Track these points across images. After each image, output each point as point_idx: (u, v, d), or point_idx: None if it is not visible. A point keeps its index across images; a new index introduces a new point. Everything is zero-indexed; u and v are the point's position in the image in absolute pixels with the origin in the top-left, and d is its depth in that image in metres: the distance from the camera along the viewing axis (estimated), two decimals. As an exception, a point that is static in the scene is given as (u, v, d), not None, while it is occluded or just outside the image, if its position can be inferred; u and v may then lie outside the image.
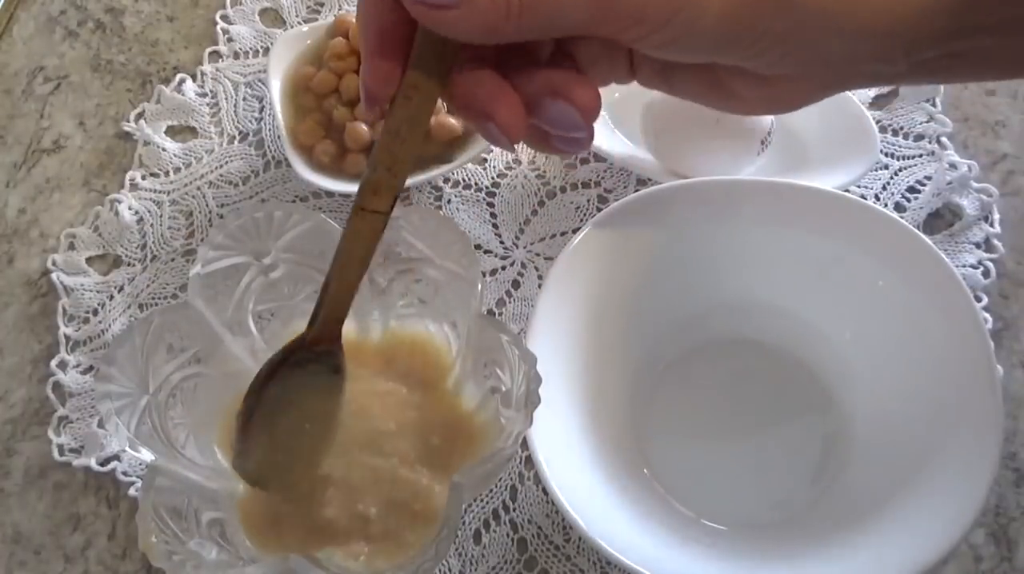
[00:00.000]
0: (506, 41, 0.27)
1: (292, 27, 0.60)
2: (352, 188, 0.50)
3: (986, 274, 0.49)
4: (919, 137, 0.54)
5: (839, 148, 0.50)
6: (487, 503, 0.44)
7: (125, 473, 0.46)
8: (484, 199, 0.53)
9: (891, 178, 0.53)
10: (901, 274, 0.42)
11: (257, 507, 0.36)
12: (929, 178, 0.52)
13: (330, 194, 0.53)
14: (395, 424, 0.37)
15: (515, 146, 0.29)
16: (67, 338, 0.50)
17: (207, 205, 0.54)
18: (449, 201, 0.53)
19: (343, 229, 0.31)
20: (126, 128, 0.57)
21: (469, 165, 0.54)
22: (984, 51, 0.28)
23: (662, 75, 0.31)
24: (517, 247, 0.51)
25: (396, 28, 0.27)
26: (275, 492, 0.36)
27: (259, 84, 0.58)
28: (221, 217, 0.53)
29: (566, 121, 0.28)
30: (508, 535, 0.43)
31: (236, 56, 0.60)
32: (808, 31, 0.27)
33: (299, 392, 0.34)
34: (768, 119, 0.48)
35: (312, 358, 0.34)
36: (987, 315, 0.48)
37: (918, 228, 0.47)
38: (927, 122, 0.54)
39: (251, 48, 0.60)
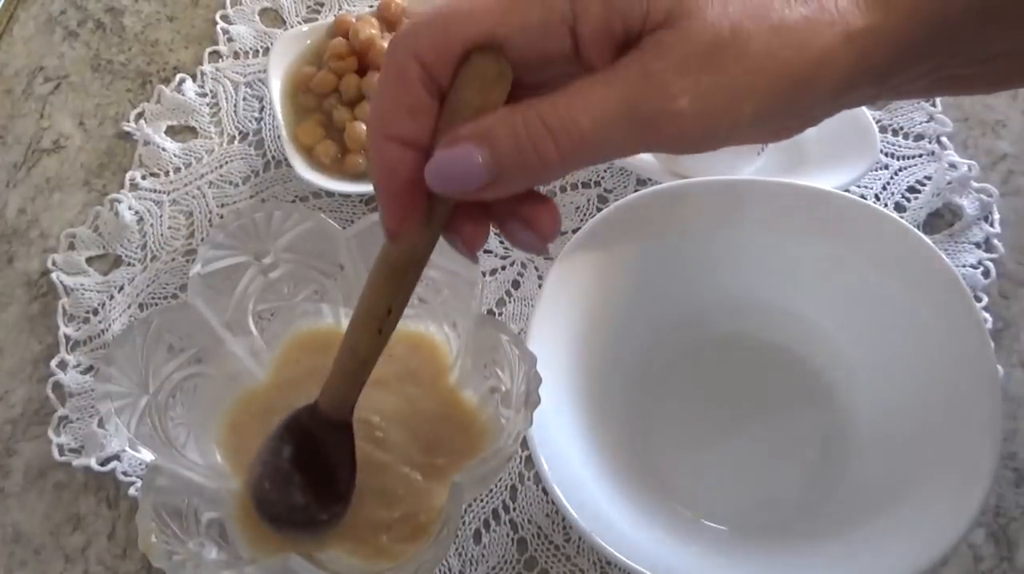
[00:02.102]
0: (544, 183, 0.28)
1: (292, 27, 0.60)
2: (352, 188, 0.50)
3: (986, 274, 0.49)
4: (919, 137, 0.54)
5: (839, 148, 0.50)
6: (487, 503, 0.44)
7: (125, 473, 0.46)
8: (484, 199, 0.53)
9: (891, 178, 0.53)
10: (901, 274, 0.42)
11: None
12: (929, 178, 0.52)
13: (330, 194, 0.53)
14: (395, 423, 0.37)
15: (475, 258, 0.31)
16: (67, 338, 0.50)
17: (207, 205, 0.54)
18: (449, 201, 0.53)
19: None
20: (126, 128, 0.57)
21: (469, 165, 0.53)
22: (980, 76, 0.30)
23: None
24: (517, 247, 0.51)
25: (415, 171, 0.27)
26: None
27: (259, 84, 0.58)
28: (221, 217, 0.53)
29: (527, 244, 0.29)
30: (508, 535, 0.43)
31: (236, 56, 0.60)
32: (823, 100, 0.28)
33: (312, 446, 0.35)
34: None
35: (321, 427, 0.35)
36: (987, 315, 0.48)
37: (918, 228, 0.47)
38: (927, 122, 0.54)
39: (251, 48, 0.60)
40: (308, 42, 0.55)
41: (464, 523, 0.44)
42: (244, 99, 0.58)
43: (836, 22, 0.26)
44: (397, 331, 0.39)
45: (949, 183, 0.51)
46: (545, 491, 0.38)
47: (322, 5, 0.61)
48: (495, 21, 0.26)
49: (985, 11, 0.27)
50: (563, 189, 0.53)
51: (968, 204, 0.51)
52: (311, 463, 0.35)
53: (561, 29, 0.26)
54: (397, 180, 0.27)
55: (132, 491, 0.45)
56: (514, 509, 0.44)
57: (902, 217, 0.47)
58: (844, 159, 0.49)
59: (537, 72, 0.27)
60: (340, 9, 0.61)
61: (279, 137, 0.52)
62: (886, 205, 0.51)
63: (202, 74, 0.59)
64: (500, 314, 0.50)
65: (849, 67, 0.27)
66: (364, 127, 0.51)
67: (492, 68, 0.26)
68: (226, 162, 0.55)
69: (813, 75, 0.26)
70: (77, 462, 0.46)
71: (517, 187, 0.27)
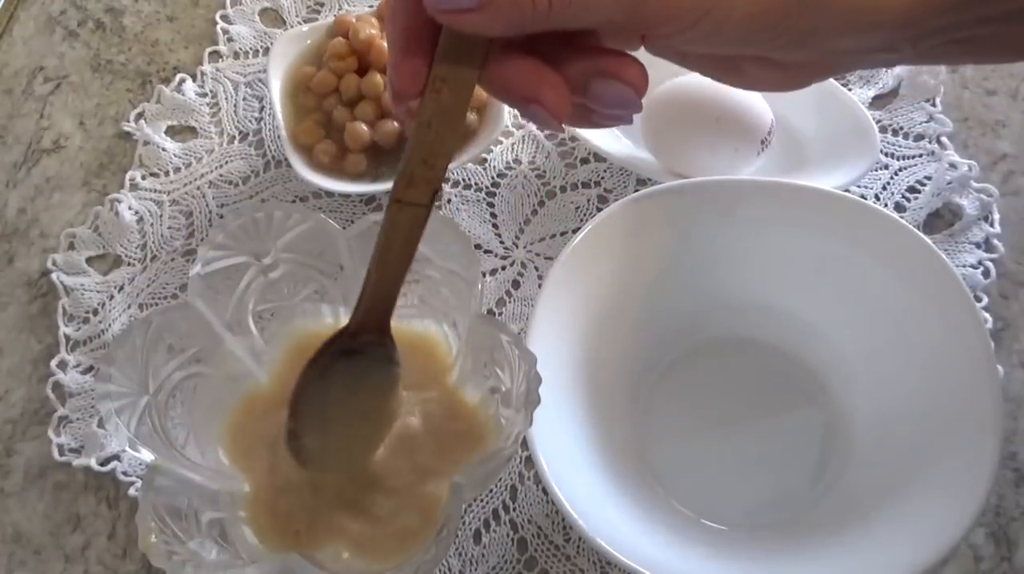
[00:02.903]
0: (532, 33, 0.27)
1: (292, 27, 0.60)
2: (352, 188, 0.51)
3: (986, 274, 0.49)
4: (919, 137, 0.54)
5: (839, 148, 0.50)
6: (487, 503, 0.44)
7: (125, 473, 0.46)
8: (484, 199, 0.53)
9: (891, 178, 0.53)
10: (901, 274, 0.42)
11: (262, 506, 0.36)
12: (929, 178, 0.52)
13: (330, 194, 0.53)
14: (396, 423, 0.37)
15: (561, 126, 0.29)
16: (67, 338, 0.50)
17: (207, 205, 0.54)
18: (449, 201, 0.53)
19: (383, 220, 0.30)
20: (126, 128, 0.57)
21: (469, 165, 0.54)
22: (988, 38, 0.29)
23: (673, 48, 0.31)
24: (517, 247, 0.51)
25: (422, 25, 0.27)
26: (323, 471, 0.35)
27: (259, 84, 0.58)
28: (221, 217, 0.53)
29: (618, 99, 0.28)
30: (508, 535, 0.43)
31: (236, 56, 0.60)
32: (826, 27, 0.27)
33: (351, 381, 0.34)
34: (768, 119, 0.48)
35: (359, 349, 0.34)
36: (987, 315, 0.48)
37: (918, 228, 0.47)
38: (927, 122, 0.54)
39: (251, 48, 0.60)
40: (308, 42, 0.55)
41: (464, 523, 0.44)
42: (244, 99, 0.58)
43: None
44: (397, 332, 0.39)
45: (949, 183, 0.51)
46: (545, 491, 0.38)
47: (322, 5, 0.61)
48: None
49: None
50: (563, 189, 0.53)
51: (968, 204, 0.51)
52: (355, 387, 0.34)
53: None
54: (409, 36, 0.27)
55: (132, 491, 0.45)
56: (514, 509, 0.44)
57: (902, 217, 0.47)
58: (844, 159, 0.49)
59: None
60: (340, 9, 0.61)
61: (279, 137, 0.52)
62: (886, 205, 0.52)
63: (202, 74, 0.59)
64: (500, 314, 0.50)
65: (861, 3, 0.26)
66: (364, 127, 0.51)
67: None
68: (226, 162, 0.55)
69: None
70: (77, 462, 0.46)
71: (498, 24, 0.26)
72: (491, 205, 0.53)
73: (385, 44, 0.52)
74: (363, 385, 0.35)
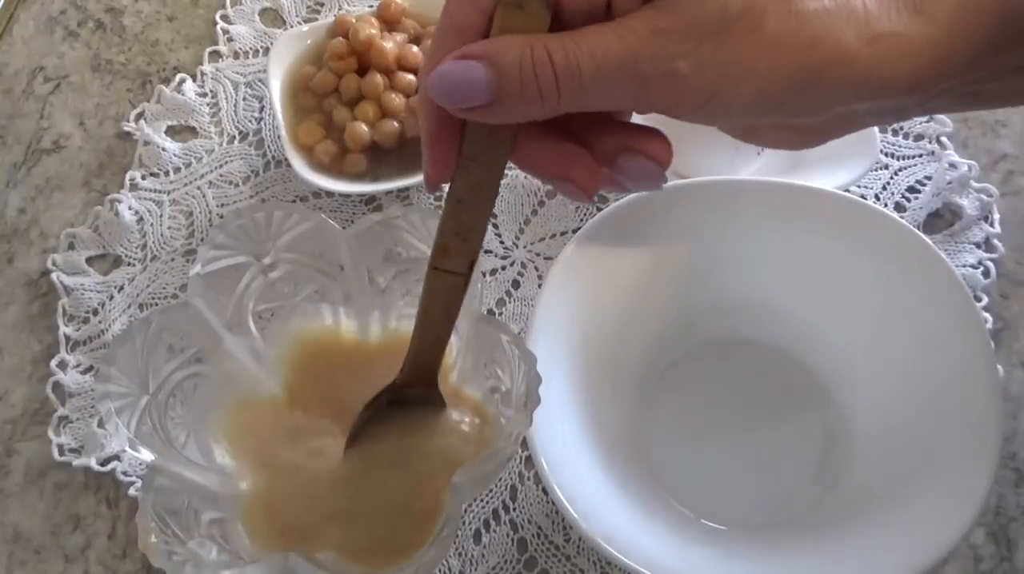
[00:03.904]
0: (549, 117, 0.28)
1: (292, 27, 0.60)
2: (352, 188, 0.51)
3: (986, 274, 0.49)
4: (919, 137, 0.54)
5: (839, 148, 0.50)
6: (487, 503, 0.44)
7: (125, 473, 0.46)
8: (484, 199, 0.53)
9: (891, 178, 0.53)
10: (901, 274, 0.41)
11: (261, 506, 0.36)
12: (929, 178, 0.52)
13: (330, 194, 0.53)
14: (395, 423, 0.37)
15: (592, 199, 0.31)
16: (67, 338, 0.50)
17: (207, 205, 0.54)
18: (449, 201, 0.53)
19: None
20: (126, 128, 0.57)
21: (469, 165, 0.53)
22: (994, 91, 0.30)
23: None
24: (517, 247, 0.51)
25: (448, 114, 0.27)
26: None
27: (259, 84, 0.58)
28: (221, 217, 0.53)
29: (644, 173, 0.29)
30: (508, 535, 0.43)
31: (236, 56, 0.60)
32: (837, 103, 0.28)
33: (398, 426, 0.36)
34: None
35: (407, 400, 0.36)
36: (987, 315, 0.48)
37: (918, 228, 0.47)
38: (927, 122, 0.54)
39: (251, 48, 0.60)
40: (308, 42, 0.55)
41: (464, 523, 0.44)
42: (244, 99, 0.58)
43: (859, 21, 0.26)
44: (398, 332, 0.40)
45: (949, 183, 0.51)
46: (545, 491, 0.38)
47: (322, 5, 0.61)
48: None
49: (1019, 29, 0.27)
50: (563, 189, 0.53)
51: (968, 204, 0.51)
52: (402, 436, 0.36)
53: None
54: (445, 129, 0.28)
55: (132, 491, 0.45)
56: (514, 509, 0.44)
57: (902, 217, 0.47)
58: (844, 159, 0.49)
59: (578, 20, 0.27)
60: (340, 9, 0.61)
61: (279, 137, 0.52)
62: (886, 205, 0.51)
63: (202, 74, 0.59)
64: (500, 314, 0.50)
65: (868, 68, 0.26)
66: (364, 127, 0.51)
67: (534, 4, 0.26)
68: (226, 162, 0.55)
69: (823, 71, 0.26)
70: (77, 462, 0.46)
71: (513, 115, 0.27)
72: (491, 205, 0.53)
73: (385, 44, 0.52)
74: (410, 428, 0.36)
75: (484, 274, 0.50)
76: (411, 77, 0.52)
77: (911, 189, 0.52)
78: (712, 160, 0.48)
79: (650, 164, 0.29)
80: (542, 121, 0.28)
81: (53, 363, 0.49)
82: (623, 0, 0.26)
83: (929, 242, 0.41)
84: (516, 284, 0.50)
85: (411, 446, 0.36)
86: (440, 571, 0.43)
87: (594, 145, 0.29)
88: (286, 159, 0.52)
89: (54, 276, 0.52)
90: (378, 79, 0.51)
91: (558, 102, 0.26)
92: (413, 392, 0.36)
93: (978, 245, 0.50)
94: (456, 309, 0.33)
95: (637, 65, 0.26)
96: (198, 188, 0.54)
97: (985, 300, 0.48)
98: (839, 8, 0.26)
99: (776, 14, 0.25)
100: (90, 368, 0.49)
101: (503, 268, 0.51)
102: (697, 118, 0.28)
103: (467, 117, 0.27)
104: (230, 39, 0.60)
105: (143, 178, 0.55)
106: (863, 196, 0.51)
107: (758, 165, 0.49)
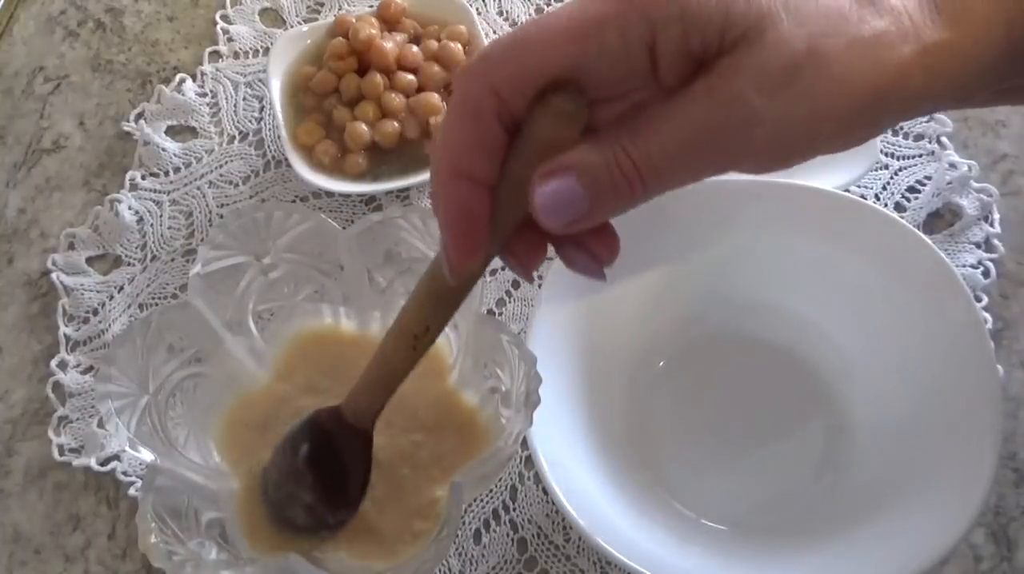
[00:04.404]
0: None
1: (292, 27, 0.60)
2: (352, 188, 0.51)
3: (986, 274, 0.49)
4: (919, 137, 0.54)
5: (839, 148, 0.50)
6: (487, 503, 0.44)
7: (125, 473, 0.46)
8: (484, 199, 0.53)
9: (891, 178, 0.53)
10: (901, 274, 0.42)
11: (256, 507, 0.36)
12: (929, 178, 0.52)
13: (330, 194, 0.53)
14: (396, 423, 0.37)
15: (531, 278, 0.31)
16: (67, 338, 0.50)
17: (207, 205, 0.54)
18: (449, 201, 0.53)
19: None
20: (126, 128, 0.57)
21: (469, 165, 0.53)
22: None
23: None
24: (517, 247, 0.51)
25: (479, 205, 0.27)
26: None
27: (259, 84, 0.58)
28: (221, 217, 0.53)
29: (586, 270, 0.29)
30: (508, 535, 0.43)
31: (236, 56, 0.60)
32: (898, 118, 0.27)
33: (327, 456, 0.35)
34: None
35: (342, 432, 0.35)
36: (987, 315, 0.48)
37: (918, 228, 0.47)
38: (927, 122, 0.54)
39: (251, 48, 0.60)
40: (308, 42, 0.55)
41: (464, 523, 0.44)
42: (244, 99, 0.58)
43: (910, 36, 0.26)
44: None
45: (949, 183, 0.51)
46: (545, 491, 0.38)
47: (322, 5, 0.61)
48: (574, 50, 0.25)
49: None
50: (563, 189, 0.53)
51: (968, 204, 0.51)
52: (325, 465, 0.35)
53: (639, 51, 0.25)
54: (468, 218, 0.27)
55: (132, 491, 0.45)
56: (514, 509, 0.44)
57: (902, 217, 0.47)
58: (844, 159, 0.49)
59: (614, 92, 0.26)
60: (340, 9, 0.61)
61: (279, 137, 0.52)
62: (886, 205, 0.51)
63: (202, 74, 0.59)
64: (500, 314, 0.50)
65: (923, 82, 0.26)
66: (364, 127, 0.51)
67: (569, 105, 0.26)
68: (226, 162, 0.55)
69: (889, 91, 0.26)
70: (77, 462, 0.46)
71: (606, 217, 0.27)
72: (491, 205, 0.53)
73: (385, 44, 0.52)
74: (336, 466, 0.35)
75: (484, 274, 0.50)
76: (411, 77, 0.52)
77: (911, 189, 0.52)
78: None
79: (587, 260, 0.29)
80: None
81: (53, 363, 0.49)
82: (671, 70, 0.26)
83: (929, 242, 0.41)
84: (516, 284, 0.50)
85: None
86: (440, 571, 0.43)
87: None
88: (286, 159, 0.52)
89: (54, 276, 0.52)
90: (378, 79, 0.51)
91: (646, 194, 0.26)
92: (347, 434, 0.35)
93: (978, 245, 0.50)
94: (414, 365, 0.32)
95: (716, 138, 0.25)
96: (198, 188, 0.54)
97: (985, 300, 0.48)
98: (890, 27, 0.26)
99: (836, 49, 0.25)
100: (90, 368, 0.49)
101: (503, 268, 0.51)
102: (776, 167, 0.28)
103: (568, 231, 0.27)
104: (230, 39, 0.60)
105: (143, 178, 0.55)
106: (863, 196, 0.51)
107: (758, 165, 0.49)
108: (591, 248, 0.28)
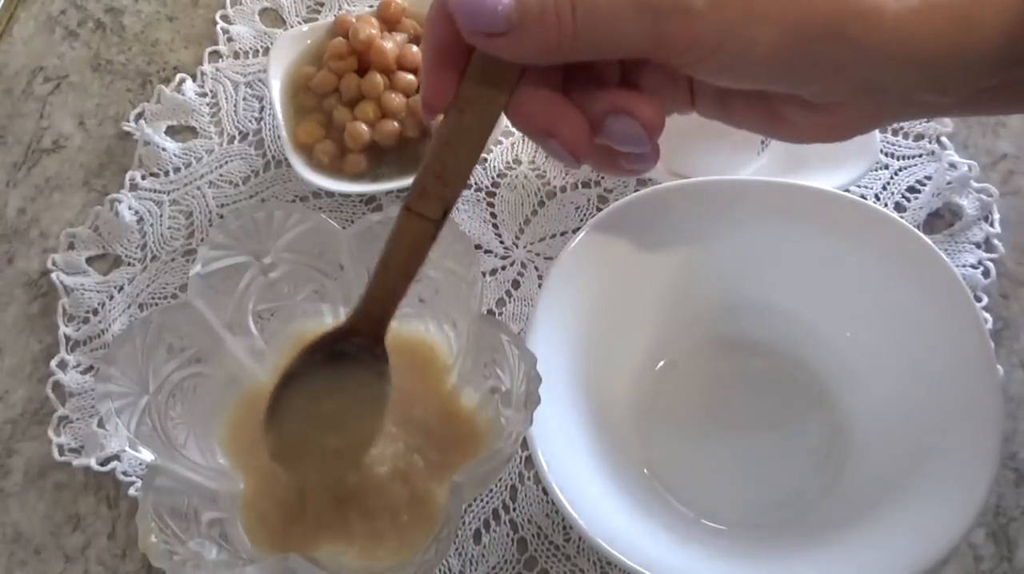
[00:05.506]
0: (561, 62, 0.27)
1: (292, 27, 0.60)
2: (352, 188, 0.51)
3: (986, 274, 0.49)
4: (919, 137, 0.54)
5: (839, 148, 0.50)
6: (487, 503, 0.44)
7: (125, 473, 0.46)
8: (484, 199, 0.53)
9: (891, 178, 0.53)
10: (901, 274, 0.42)
11: (259, 506, 0.36)
12: (929, 178, 0.52)
13: (330, 194, 0.53)
14: (395, 423, 0.37)
15: (579, 163, 0.30)
16: (67, 338, 0.50)
17: (207, 205, 0.54)
18: (449, 201, 0.53)
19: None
20: (126, 128, 0.57)
21: (469, 165, 0.53)
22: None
23: (720, 104, 0.32)
24: (517, 247, 0.51)
25: (457, 42, 0.28)
26: (293, 474, 0.35)
27: (259, 84, 0.58)
28: (221, 217, 0.53)
29: (629, 136, 0.29)
30: (508, 535, 0.43)
31: (236, 56, 0.60)
32: (861, 61, 0.27)
33: (338, 386, 0.34)
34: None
35: (350, 352, 0.34)
36: (987, 315, 0.48)
37: (918, 228, 0.47)
38: (927, 122, 0.54)
39: (251, 48, 0.60)
40: (308, 42, 0.55)
41: (464, 523, 0.44)
42: (244, 99, 0.58)
43: None
44: (395, 332, 0.39)
45: (949, 183, 0.51)
46: (545, 491, 0.38)
47: (322, 5, 0.61)
48: None
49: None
50: (563, 189, 0.53)
51: (968, 204, 0.51)
52: (340, 393, 0.34)
53: None
54: (443, 52, 0.27)
55: (132, 491, 0.45)
56: (514, 509, 0.44)
57: (902, 217, 0.47)
58: (844, 159, 0.49)
59: None
60: (340, 9, 0.61)
61: (279, 137, 0.52)
62: (886, 205, 0.51)
63: (202, 74, 0.59)
64: (500, 314, 0.50)
65: (899, 24, 0.25)
66: (364, 127, 0.51)
67: None
68: (226, 162, 0.55)
69: (848, 20, 0.25)
70: (77, 462, 0.46)
71: (526, 50, 0.27)
72: (491, 205, 0.53)
73: (385, 44, 0.52)
74: (350, 394, 0.35)
75: (484, 274, 0.50)
76: (411, 77, 0.52)
77: (911, 189, 0.52)
78: (712, 160, 0.48)
79: (635, 125, 0.28)
80: (541, 74, 0.28)
81: (53, 363, 0.49)
82: None
83: (929, 242, 0.41)
84: (516, 284, 0.50)
85: (362, 423, 0.35)
86: (440, 571, 0.43)
87: (588, 107, 0.29)
88: (286, 159, 0.52)
89: (54, 276, 0.52)
90: (378, 79, 0.51)
91: (574, 39, 0.26)
92: (359, 341, 0.34)
93: (978, 245, 0.50)
94: (419, 261, 0.31)
95: (657, 22, 0.25)
96: (198, 188, 0.54)
97: (985, 300, 0.48)
98: None
99: None
100: (90, 368, 0.49)
101: (503, 268, 0.51)
102: (710, 68, 0.27)
103: (480, 45, 0.27)
104: (230, 39, 0.60)
105: (143, 178, 0.55)
106: (863, 196, 0.51)
107: (758, 165, 0.49)
108: (633, 110, 0.28)
